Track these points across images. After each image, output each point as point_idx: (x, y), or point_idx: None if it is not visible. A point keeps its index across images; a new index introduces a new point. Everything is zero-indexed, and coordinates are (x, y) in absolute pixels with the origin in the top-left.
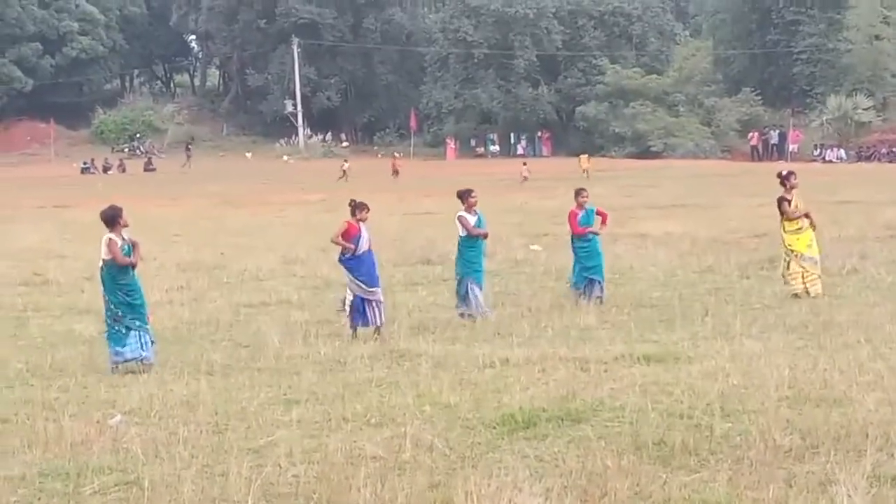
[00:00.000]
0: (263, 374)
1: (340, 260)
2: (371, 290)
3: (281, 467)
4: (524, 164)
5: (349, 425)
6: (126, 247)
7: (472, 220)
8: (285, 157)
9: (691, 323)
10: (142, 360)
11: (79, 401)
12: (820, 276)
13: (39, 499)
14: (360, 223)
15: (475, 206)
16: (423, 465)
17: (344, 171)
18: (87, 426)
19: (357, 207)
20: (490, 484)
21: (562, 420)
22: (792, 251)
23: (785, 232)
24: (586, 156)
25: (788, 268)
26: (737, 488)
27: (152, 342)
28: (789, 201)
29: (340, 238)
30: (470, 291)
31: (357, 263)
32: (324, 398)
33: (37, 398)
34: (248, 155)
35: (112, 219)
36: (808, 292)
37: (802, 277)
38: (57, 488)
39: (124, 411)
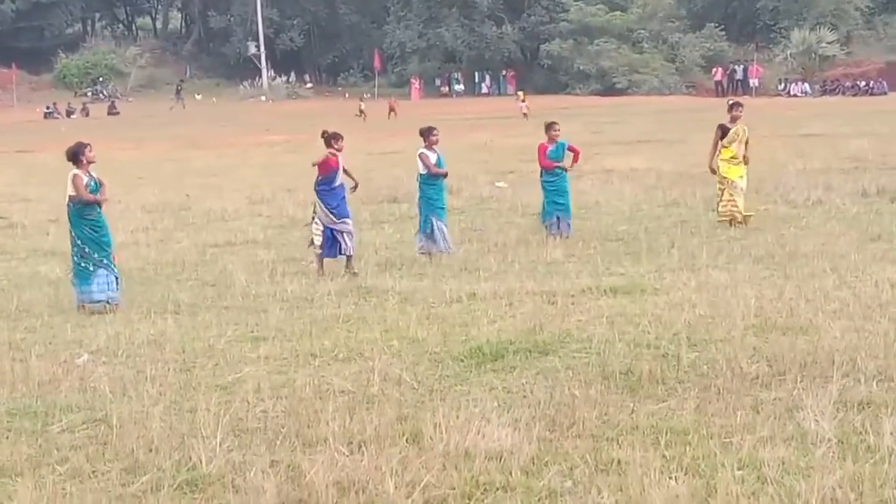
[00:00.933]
0: (230, 313)
1: (316, 189)
2: (342, 220)
3: (249, 403)
4: (523, 100)
5: (317, 361)
6: (93, 183)
7: (433, 157)
8: (263, 98)
9: (657, 255)
10: (108, 301)
11: (45, 341)
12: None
13: (7, 437)
14: (338, 154)
15: (436, 143)
16: (392, 398)
17: (361, 111)
18: (53, 366)
19: (332, 138)
20: (458, 416)
21: (529, 352)
22: (725, 178)
23: (721, 159)
24: (522, 92)
25: (722, 195)
26: (704, 415)
27: (118, 282)
28: (727, 130)
29: (319, 167)
30: (436, 229)
31: (332, 194)
32: (291, 335)
33: (3, 339)
34: (198, 97)
35: (75, 155)
36: (738, 219)
37: (733, 205)
38: (25, 426)
39: (91, 351)
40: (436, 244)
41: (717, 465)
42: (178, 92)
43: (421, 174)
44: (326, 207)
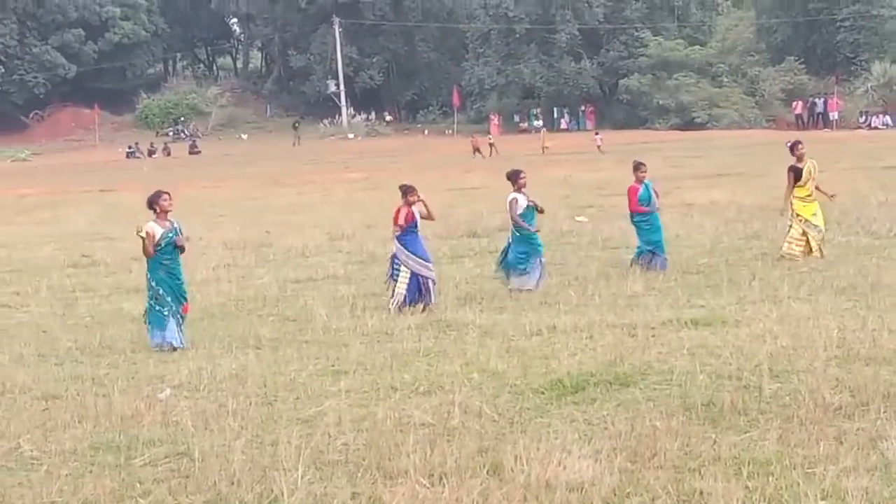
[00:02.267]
0: (311, 347)
1: (398, 238)
2: (428, 265)
3: (330, 436)
4: (596, 133)
5: (397, 394)
6: (169, 235)
7: (522, 202)
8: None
9: (738, 287)
10: (181, 344)
11: (128, 376)
12: (821, 243)
13: (91, 471)
14: (412, 206)
15: (524, 186)
16: (472, 430)
17: (491, 145)
18: (136, 400)
19: (408, 191)
20: (539, 447)
21: (610, 384)
22: (798, 216)
23: (794, 198)
24: (545, 129)
25: (789, 231)
26: (787, 446)
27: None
28: (799, 170)
29: (395, 221)
30: (538, 266)
31: (413, 241)
32: (372, 368)
33: (86, 374)
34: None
35: (149, 203)
36: (813, 252)
37: (806, 243)
38: (108, 460)
39: (173, 385)
40: (530, 280)
41: (801, 495)
42: (295, 129)
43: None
44: (412, 253)
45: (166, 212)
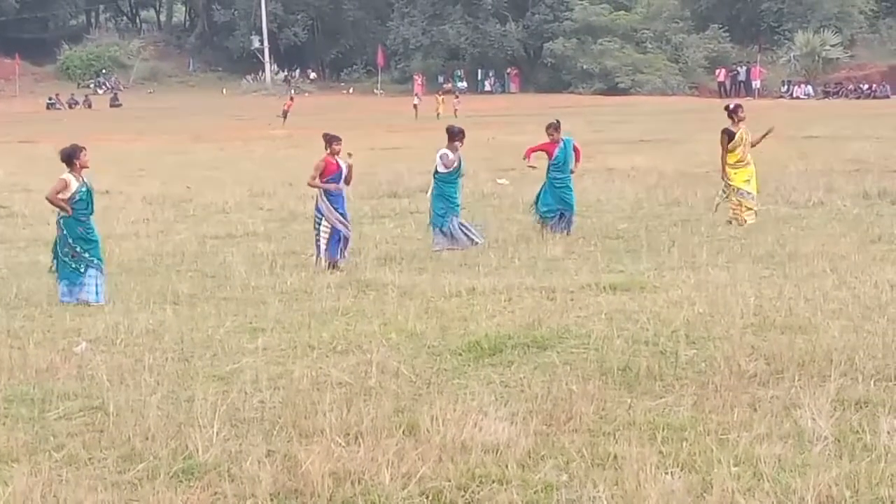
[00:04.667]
0: (229, 304)
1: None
2: (346, 223)
3: (247, 393)
4: (456, 97)
5: (315, 352)
6: (84, 190)
7: (453, 158)
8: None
9: (657, 253)
10: (98, 300)
11: (44, 329)
12: (755, 210)
13: (4, 423)
14: (336, 157)
15: (458, 149)
16: (389, 390)
17: (415, 107)
18: (52, 353)
19: (332, 140)
20: (455, 409)
21: (528, 347)
22: (730, 184)
23: (727, 165)
24: (441, 96)
25: (727, 198)
26: (701, 412)
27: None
28: (733, 133)
29: (319, 180)
30: (453, 228)
31: (338, 198)
32: (290, 326)
33: (1, 326)
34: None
35: (69, 157)
36: (739, 222)
37: (741, 209)
38: (22, 413)
39: (90, 339)
40: (458, 242)
41: (714, 461)
42: (287, 81)
43: (439, 172)
44: (337, 210)
45: (84, 168)
